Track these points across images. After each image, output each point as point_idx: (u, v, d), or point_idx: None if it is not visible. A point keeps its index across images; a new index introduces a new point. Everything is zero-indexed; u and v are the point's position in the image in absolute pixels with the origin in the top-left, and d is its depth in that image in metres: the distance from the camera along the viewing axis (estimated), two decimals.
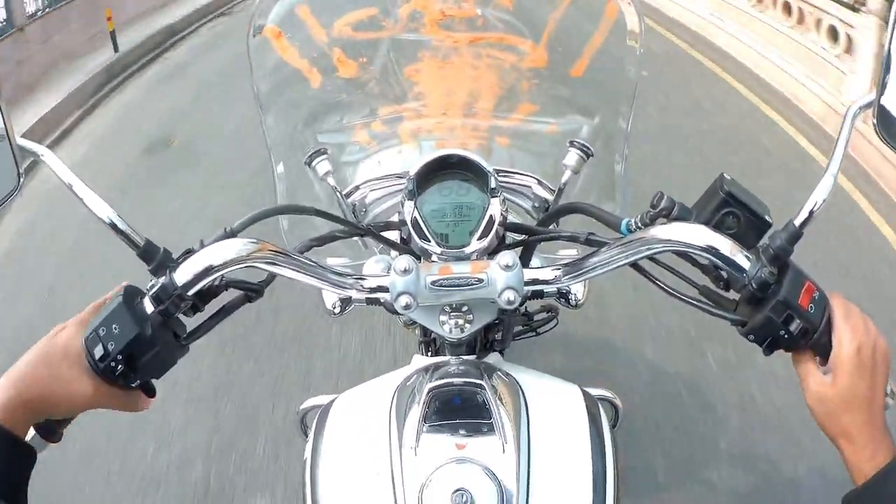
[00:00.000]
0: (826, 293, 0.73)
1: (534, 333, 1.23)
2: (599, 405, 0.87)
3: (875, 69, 3.06)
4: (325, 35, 1.00)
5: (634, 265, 0.79)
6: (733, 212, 0.76)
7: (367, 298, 0.91)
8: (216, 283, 0.74)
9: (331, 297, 1.08)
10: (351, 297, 0.96)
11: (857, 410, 0.69)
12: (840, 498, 0.71)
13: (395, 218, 0.92)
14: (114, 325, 0.68)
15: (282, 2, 0.97)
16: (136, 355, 0.69)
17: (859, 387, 0.69)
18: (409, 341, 2.44)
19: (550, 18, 1.00)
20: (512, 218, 0.91)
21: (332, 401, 0.89)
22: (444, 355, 0.97)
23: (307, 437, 0.92)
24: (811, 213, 0.74)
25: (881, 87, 0.80)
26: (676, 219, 0.78)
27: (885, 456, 0.68)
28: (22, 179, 0.78)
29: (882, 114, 0.82)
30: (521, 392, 0.83)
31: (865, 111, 0.83)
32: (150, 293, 0.71)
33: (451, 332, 0.86)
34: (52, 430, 0.71)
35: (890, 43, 0.78)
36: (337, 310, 1.03)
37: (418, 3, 0.98)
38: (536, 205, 1.12)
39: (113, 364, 0.68)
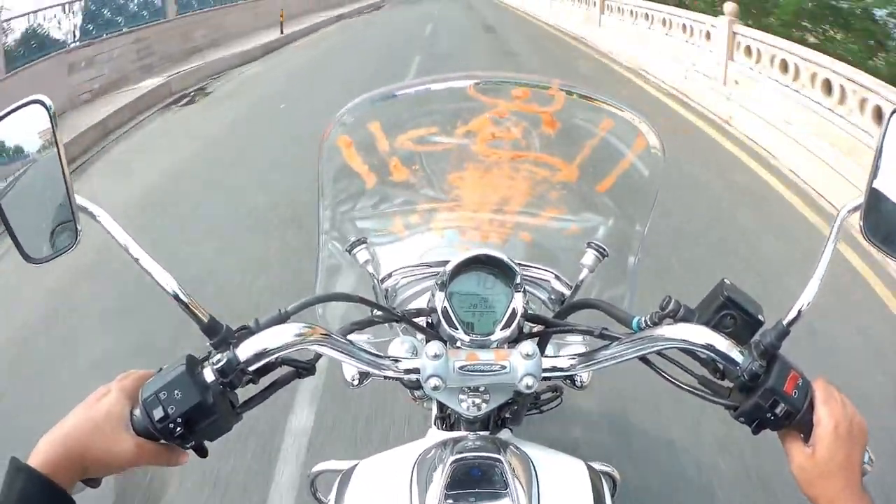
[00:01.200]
0: (809, 380, 0.81)
1: (538, 411, 1.27)
2: (601, 477, 0.93)
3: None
4: (388, 146, 1.14)
5: (642, 358, 0.87)
6: (731, 313, 0.86)
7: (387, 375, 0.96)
8: (273, 360, 0.80)
9: (351, 369, 1.12)
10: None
11: (835, 478, 0.77)
12: None
13: (423, 302, 1.00)
14: (175, 391, 0.73)
15: (358, 117, 1.11)
16: (194, 420, 0.74)
17: (837, 457, 0.77)
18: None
19: (586, 145, 1.14)
20: (529, 308, 0.99)
21: (353, 468, 0.93)
22: (460, 430, 1.02)
23: (322, 499, 0.95)
24: (799, 312, 0.84)
25: (869, 191, 0.89)
26: (681, 319, 0.87)
27: None
28: (79, 236, 0.82)
29: (869, 217, 0.90)
30: (532, 466, 0.89)
31: (853, 213, 0.92)
32: (216, 366, 0.76)
33: (468, 409, 0.91)
34: (93, 478, 0.74)
35: (879, 149, 0.88)
36: (356, 382, 1.07)
37: (474, 126, 1.12)
38: (553, 297, 1.22)
39: (172, 426, 0.73)
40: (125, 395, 0.75)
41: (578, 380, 1.15)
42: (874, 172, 0.89)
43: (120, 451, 0.72)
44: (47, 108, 0.80)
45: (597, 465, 0.98)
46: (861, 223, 0.91)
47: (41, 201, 0.83)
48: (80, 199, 0.82)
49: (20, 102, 0.81)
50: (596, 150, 1.13)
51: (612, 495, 0.96)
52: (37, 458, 0.68)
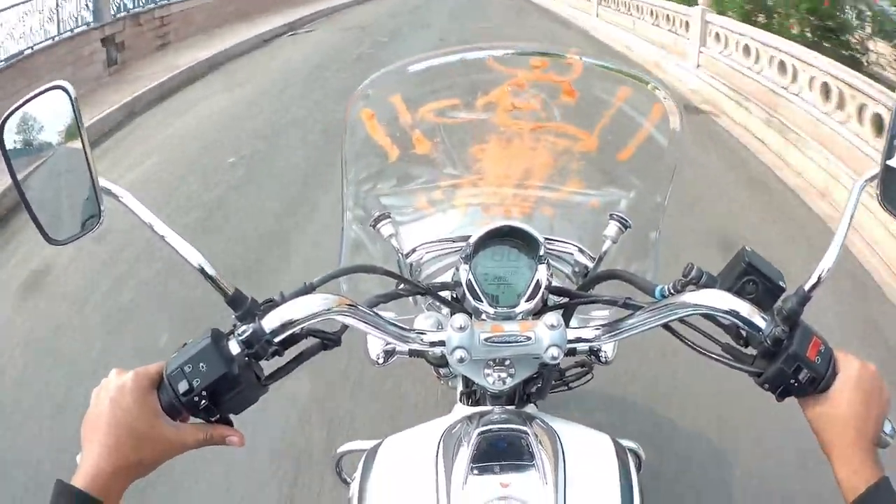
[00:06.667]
0: (832, 347, 0.82)
1: (566, 387, 1.27)
2: (627, 453, 0.93)
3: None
4: (410, 118, 1.15)
5: (666, 326, 0.88)
6: (753, 279, 0.87)
7: (412, 350, 0.98)
8: (298, 331, 0.80)
9: (375, 347, 1.13)
10: (395, 349, 1.05)
11: (849, 429, 0.78)
12: None
13: (448, 277, 1.01)
14: (201, 364, 0.73)
15: (380, 90, 1.12)
16: (220, 392, 0.74)
17: (855, 409, 0.78)
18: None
19: (605, 114, 1.15)
20: (553, 281, 0.99)
21: (378, 445, 0.93)
22: (486, 405, 1.02)
23: (346, 479, 0.94)
24: (819, 278, 0.84)
25: (885, 159, 0.89)
26: (704, 286, 0.88)
27: (872, 474, 0.75)
28: (102, 218, 0.82)
29: (886, 186, 0.91)
30: (558, 439, 0.89)
31: (871, 183, 0.92)
32: (241, 337, 0.76)
33: (493, 383, 0.91)
34: None
35: (894, 116, 0.88)
36: (381, 360, 1.08)
37: (494, 97, 1.13)
38: (577, 269, 1.22)
39: (196, 399, 0.73)
40: (144, 381, 0.73)
41: (603, 355, 1.15)
42: (890, 140, 0.89)
43: (166, 444, 0.72)
44: (68, 93, 0.80)
45: (622, 442, 0.98)
46: (878, 191, 0.92)
47: (65, 185, 0.84)
48: (103, 181, 0.82)
49: (41, 88, 0.81)
50: (614, 119, 1.14)
51: (638, 472, 0.96)
52: (84, 480, 0.67)
